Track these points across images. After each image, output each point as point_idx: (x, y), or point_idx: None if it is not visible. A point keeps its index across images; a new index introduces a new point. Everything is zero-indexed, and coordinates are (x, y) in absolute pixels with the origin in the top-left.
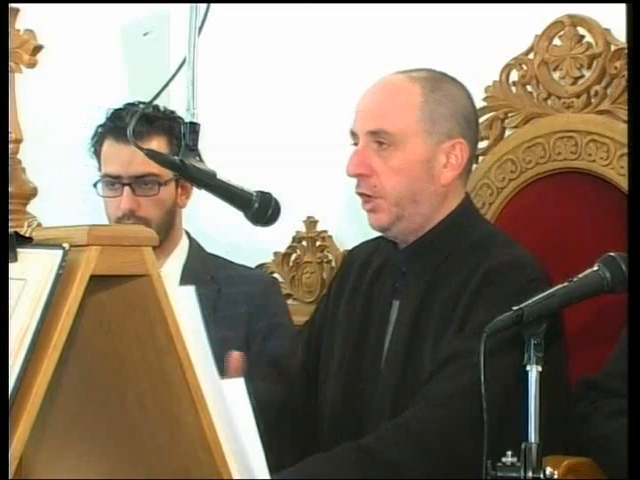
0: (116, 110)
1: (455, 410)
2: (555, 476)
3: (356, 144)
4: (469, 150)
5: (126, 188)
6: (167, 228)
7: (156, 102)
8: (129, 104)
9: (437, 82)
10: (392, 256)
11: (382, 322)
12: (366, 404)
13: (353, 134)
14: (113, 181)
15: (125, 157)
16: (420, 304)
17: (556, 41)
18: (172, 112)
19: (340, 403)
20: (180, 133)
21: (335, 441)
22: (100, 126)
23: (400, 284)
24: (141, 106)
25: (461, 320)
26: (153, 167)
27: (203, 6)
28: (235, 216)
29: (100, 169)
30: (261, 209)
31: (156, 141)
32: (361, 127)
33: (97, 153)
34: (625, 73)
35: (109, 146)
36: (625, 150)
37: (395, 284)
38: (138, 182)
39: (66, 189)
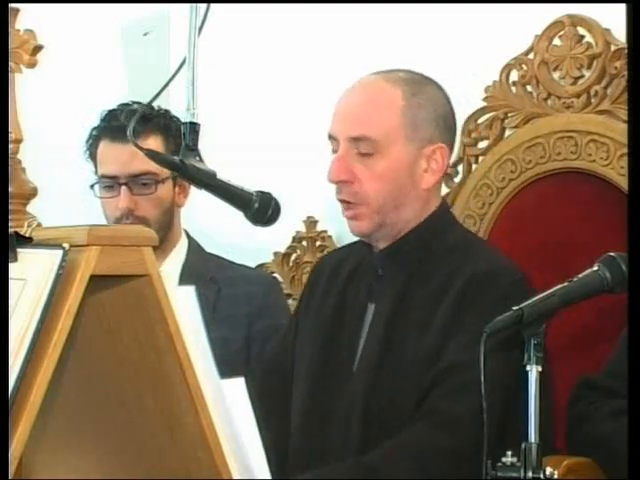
0: (110, 111)
1: (457, 432)
2: (555, 476)
3: (335, 149)
4: (449, 154)
5: (123, 188)
6: (166, 227)
7: (156, 102)
8: (123, 104)
9: (417, 85)
10: (367, 259)
11: (356, 324)
12: (336, 405)
13: (332, 138)
14: (110, 182)
15: (121, 157)
16: (397, 306)
17: (556, 41)
18: (167, 111)
19: (308, 404)
20: (176, 132)
21: (302, 440)
22: (94, 128)
23: (376, 287)
24: (135, 106)
25: (449, 323)
26: (150, 165)
27: (203, 6)
28: (235, 216)
29: (96, 172)
30: (261, 209)
31: (152, 139)
32: (342, 132)
33: (92, 156)
34: (625, 73)
35: (105, 147)
36: (625, 150)
37: (370, 287)
38: (135, 181)
39: (66, 189)
